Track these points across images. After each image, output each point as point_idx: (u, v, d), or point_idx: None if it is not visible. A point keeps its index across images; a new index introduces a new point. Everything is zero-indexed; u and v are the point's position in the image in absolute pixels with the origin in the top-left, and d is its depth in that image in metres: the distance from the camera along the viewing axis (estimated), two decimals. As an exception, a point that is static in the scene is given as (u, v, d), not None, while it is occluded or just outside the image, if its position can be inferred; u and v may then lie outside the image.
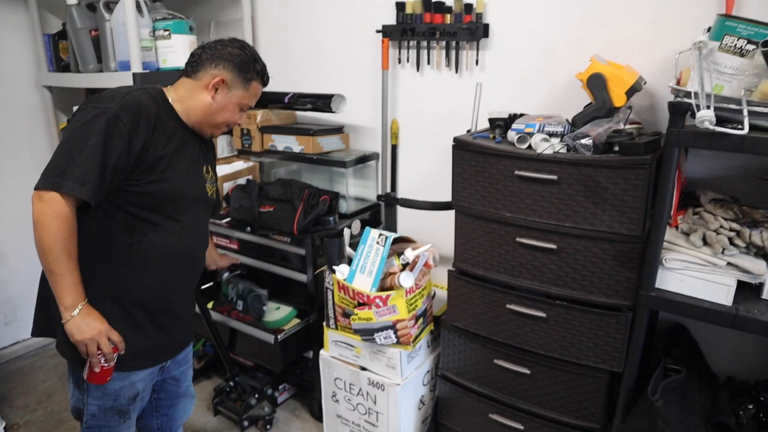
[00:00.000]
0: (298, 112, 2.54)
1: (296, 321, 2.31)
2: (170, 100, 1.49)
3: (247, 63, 1.50)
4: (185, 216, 1.50)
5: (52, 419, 2.48)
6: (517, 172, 1.63)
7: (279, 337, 2.15)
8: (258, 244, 2.28)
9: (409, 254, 1.89)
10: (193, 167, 1.52)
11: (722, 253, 1.48)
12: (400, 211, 2.39)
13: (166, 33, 2.26)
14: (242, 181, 2.41)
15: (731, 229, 1.50)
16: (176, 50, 2.28)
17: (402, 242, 2.00)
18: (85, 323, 1.33)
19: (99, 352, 1.35)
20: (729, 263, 1.46)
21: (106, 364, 1.38)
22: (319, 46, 2.49)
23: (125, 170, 1.34)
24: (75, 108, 2.50)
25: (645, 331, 1.60)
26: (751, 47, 1.33)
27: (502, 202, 1.69)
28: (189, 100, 1.49)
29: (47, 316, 1.48)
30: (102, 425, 1.51)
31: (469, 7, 2.00)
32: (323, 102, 2.21)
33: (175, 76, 2.27)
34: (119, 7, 2.22)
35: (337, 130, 2.40)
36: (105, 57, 2.39)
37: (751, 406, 1.65)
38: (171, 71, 2.30)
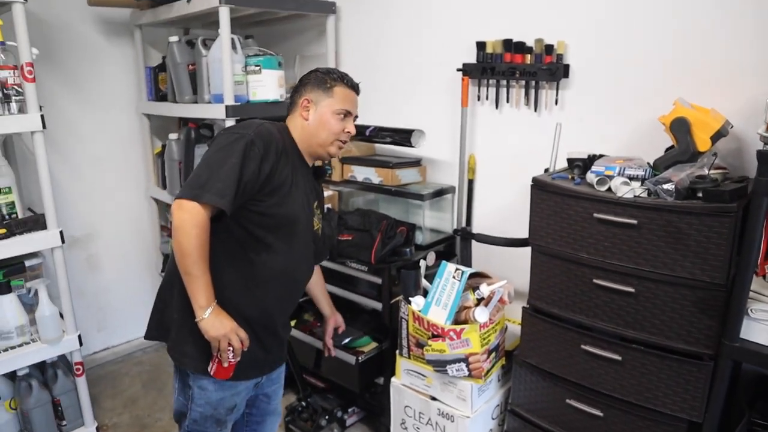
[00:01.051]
0: (377, 145, 2.63)
1: (373, 345, 2.37)
2: (292, 135, 1.64)
3: (322, 76, 1.65)
4: (296, 242, 1.62)
5: (136, 423, 2.65)
6: (596, 215, 1.64)
7: (360, 358, 2.23)
8: (335, 270, 2.37)
9: (485, 289, 1.92)
10: (307, 199, 1.66)
11: (813, 306, 1.44)
12: (475, 244, 2.42)
13: (257, 68, 2.41)
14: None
15: (823, 282, 1.45)
16: (265, 84, 2.43)
17: (477, 277, 2.04)
18: (219, 321, 1.46)
19: (229, 347, 1.48)
20: (820, 317, 1.42)
21: (233, 360, 1.51)
22: (400, 82, 2.58)
23: (253, 190, 1.47)
24: (171, 135, 2.71)
25: (728, 381, 1.56)
26: None
27: (580, 243, 1.70)
28: (295, 131, 1.64)
29: (161, 321, 1.63)
30: (201, 431, 1.64)
31: (549, 48, 2.03)
32: (404, 136, 2.29)
33: (264, 108, 2.46)
34: (216, 45, 2.39)
35: (415, 163, 2.47)
36: (200, 89, 2.58)
37: None
38: (260, 104, 2.45)
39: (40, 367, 2.44)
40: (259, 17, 2.80)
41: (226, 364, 1.51)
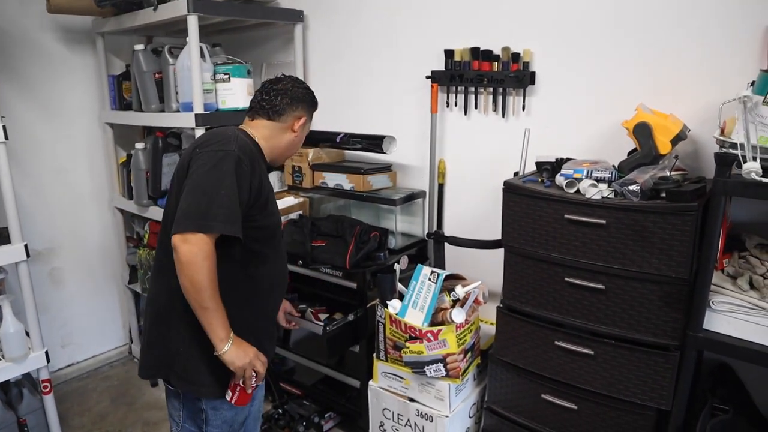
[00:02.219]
0: (346, 151, 2.66)
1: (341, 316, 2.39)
2: (257, 139, 1.61)
3: (313, 99, 1.73)
4: (281, 244, 1.68)
5: (106, 440, 2.60)
6: (567, 216, 1.71)
7: (328, 328, 2.20)
8: (309, 277, 2.38)
9: (460, 291, 1.97)
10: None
11: (770, 297, 1.54)
12: (447, 246, 2.47)
13: (226, 76, 2.41)
14: (294, 215, 2.53)
15: (778, 274, 1.56)
16: (235, 92, 2.43)
17: (452, 279, 2.09)
18: (242, 350, 1.46)
19: (253, 374, 1.48)
20: (776, 307, 1.52)
21: (255, 385, 1.51)
22: (370, 89, 2.62)
23: (246, 207, 1.46)
24: (137, 144, 2.67)
25: (693, 370, 1.65)
26: (794, 103, 1.41)
27: (551, 243, 1.77)
28: (274, 139, 1.65)
29: (161, 358, 1.56)
30: None
31: (516, 56, 2.11)
32: (375, 143, 2.33)
33: (233, 117, 2.46)
34: (184, 53, 2.38)
35: (386, 168, 2.51)
36: (167, 97, 2.55)
37: (798, 448, 1.68)
38: (229, 112, 2.45)
39: (3, 387, 2.36)
40: (226, 25, 2.79)
41: (249, 391, 1.51)
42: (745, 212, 1.82)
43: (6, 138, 2.10)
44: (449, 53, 2.26)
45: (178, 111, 2.49)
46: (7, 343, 2.21)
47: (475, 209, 2.36)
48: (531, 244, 1.82)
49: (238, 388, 1.50)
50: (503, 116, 2.22)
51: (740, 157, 1.42)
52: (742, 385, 1.89)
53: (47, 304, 2.99)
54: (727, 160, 1.46)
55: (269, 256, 1.58)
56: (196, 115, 2.34)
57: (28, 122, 2.83)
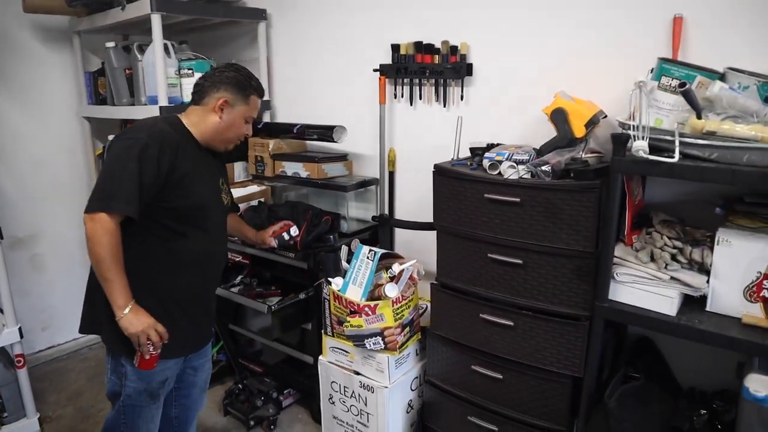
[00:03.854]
0: (309, 142, 2.80)
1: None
2: (186, 126, 1.77)
3: (243, 82, 1.78)
4: (209, 223, 1.79)
5: (80, 414, 2.75)
6: (486, 195, 1.84)
7: (272, 307, 2.35)
8: (266, 259, 2.52)
9: (396, 268, 2.10)
10: (211, 181, 1.83)
11: (665, 268, 1.65)
12: (399, 231, 2.61)
13: (190, 71, 2.56)
14: (255, 202, 2.67)
15: (674, 247, 1.68)
16: (198, 86, 2.57)
17: (391, 258, 2.22)
18: (137, 318, 1.62)
19: (149, 342, 1.63)
20: (672, 278, 1.64)
21: (154, 352, 1.66)
22: (326, 82, 2.76)
23: (156, 189, 1.61)
24: (110, 137, 2.83)
25: (602, 339, 1.76)
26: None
27: (475, 222, 1.89)
28: (201, 123, 1.77)
29: (93, 316, 1.76)
30: (135, 404, 1.78)
31: (454, 49, 2.24)
32: (326, 133, 2.46)
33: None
34: (150, 50, 2.53)
35: (342, 157, 2.65)
36: (137, 92, 2.71)
37: (704, 412, 1.79)
38: (194, 105, 2.59)
39: (-21, 361, 2.52)
40: (193, 24, 2.94)
41: (147, 357, 1.66)
42: (664, 193, 1.94)
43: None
44: (395, 47, 2.40)
45: (146, 104, 2.64)
46: (-18, 319, 2.37)
47: (422, 195, 2.48)
48: (458, 223, 1.94)
49: (138, 353, 1.66)
50: (445, 106, 2.35)
51: (632, 136, 1.55)
52: (661, 356, 2.01)
53: (28, 289, 3.15)
54: (621, 140, 1.58)
55: (188, 234, 1.72)
56: (160, 107, 2.48)
57: (9, 117, 3.00)
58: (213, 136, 1.79)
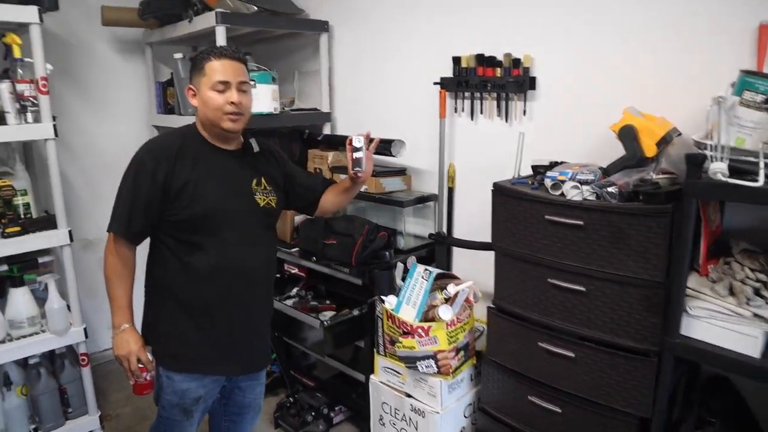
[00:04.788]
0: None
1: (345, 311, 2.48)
2: (199, 130, 1.71)
3: (196, 58, 1.67)
4: (229, 232, 1.66)
5: (138, 415, 2.83)
6: (547, 217, 1.73)
7: (326, 322, 2.32)
8: (322, 273, 2.50)
9: (451, 289, 2.02)
10: (229, 182, 1.68)
11: (747, 303, 1.50)
12: (457, 250, 2.52)
13: (252, 83, 2.57)
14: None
15: (757, 280, 1.52)
16: (260, 98, 2.59)
17: (448, 278, 2.14)
18: (123, 341, 1.64)
19: (138, 367, 1.65)
20: (756, 315, 1.48)
21: (142, 379, 1.66)
22: (385, 95, 2.73)
23: (158, 202, 1.60)
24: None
25: (673, 376, 1.62)
26: (768, 103, 1.39)
27: (536, 245, 1.79)
28: (198, 121, 1.71)
29: (144, 324, 1.77)
30: (169, 417, 1.77)
31: (517, 62, 2.14)
32: (384, 146, 2.42)
33: (258, 120, 2.62)
34: (215, 62, 2.57)
35: (400, 172, 2.60)
36: (203, 103, 2.76)
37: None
38: (255, 116, 2.60)
39: (50, 357, 2.62)
40: (257, 36, 2.98)
41: (131, 382, 1.68)
42: (745, 218, 1.77)
43: (56, 135, 2.36)
44: (456, 60, 2.33)
45: (209, 114, 2.68)
46: (52, 317, 2.46)
47: (482, 212, 2.37)
48: (517, 245, 1.85)
49: (128, 376, 1.68)
50: (506, 121, 2.25)
51: (710, 157, 1.41)
52: (739, 397, 1.83)
53: (96, 289, 3.25)
54: (696, 161, 1.45)
55: (204, 245, 1.64)
56: (222, 118, 2.52)
57: (86, 122, 3.15)
58: (204, 125, 1.68)
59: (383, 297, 2.13)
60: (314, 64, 3.02)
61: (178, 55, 2.82)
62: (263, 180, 1.78)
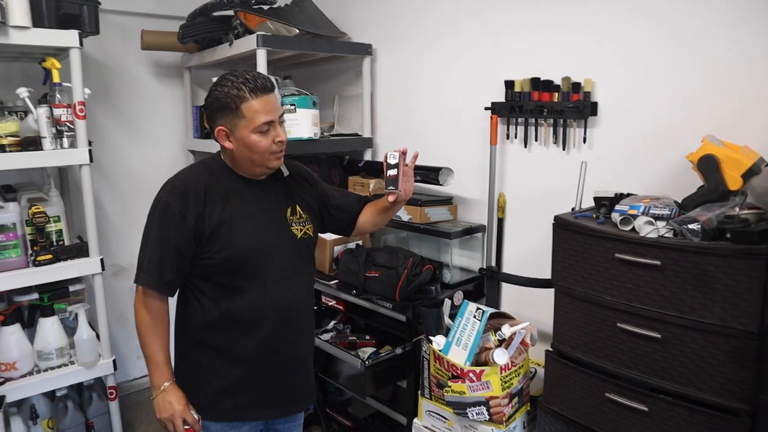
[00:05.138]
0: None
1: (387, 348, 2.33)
2: (225, 161, 1.56)
3: (225, 100, 1.43)
4: (267, 271, 1.53)
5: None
6: (618, 255, 1.57)
7: (366, 362, 2.17)
8: (362, 307, 2.37)
9: (506, 330, 1.86)
10: (265, 217, 1.55)
11: None
12: (505, 285, 2.36)
13: (292, 107, 2.49)
14: (352, 245, 2.54)
15: None
16: (300, 123, 2.50)
17: (501, 318, 1.98)
18: (166, 402, 1.50)
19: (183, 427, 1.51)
20: None
21: None
22: (432, 120, 2.61)
23: (190, 246, 1.46)
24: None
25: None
26: None
27: (603, 285, 1.63)
28: (227, 156, 1.54)
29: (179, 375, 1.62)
30: None
31: (577, 86, 2.01)
32: (431, 174, 2.29)
33: (299, 146, 2.53)
34: (255, 86, 2.49)
35: (446, 201, 2.46)
36: (241, 128, 2.68)
37: None
38: (295, 141, 2.52)
39: (78, 389, 2.53)
40: (298, 59, 2.91)
41: None
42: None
43: (91, 161, 2.29)
44: (509, 84, 2.20)
45: (247, 140, 2.60)
46: (81, 348, 2.38)
47: (534, 246, 2.25)
48: (582, 284, 1.69)
49: None
50: (564, 149, 2.11)
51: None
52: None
53: (127, 316, 3.18)
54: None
55: (243, 288, 1.51)
56: (261, 143, 2.43)
57: (121, 146, 3.10)
58: (243, 164, 1.52)
59: (431, 337, 1.98)
60: (355, 88, 2.93)
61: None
62: (298, 208, 1.65)
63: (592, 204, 1.87)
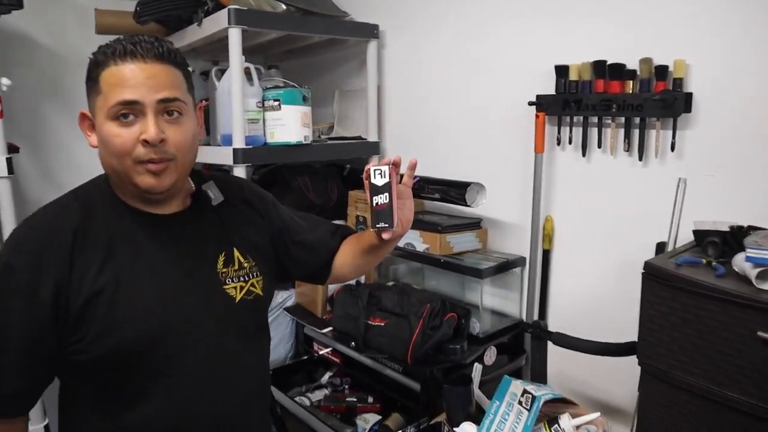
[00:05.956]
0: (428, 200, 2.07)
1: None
2: (111, 185, 1.00)
3: (89, 70, 0.95)
4: (184, 362, 0.98)
5: None
6: (761, 333, 1.00)
7: None
8: (363, 364, 1.81)
9: (566, 424, 1.28)
10: (177, 274, 1.00)
11: None
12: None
13: (276, 103, 1.94)
14: (352, 282, 1.97)
15: None
16: (285, 123, 1.95)
17: (556, 403, 1.41)
18: None
19: None
20: None
21: None
22: (456, 121, 2.03)
23: (50, 334, 0.91)
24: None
25: None
26: None
27: (729, 375, 1.05)
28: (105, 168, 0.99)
29: None
30: None
31: (662, 71, 1.42)
32: (457, 192, 1.73)
33: (285, 153, 1.98)
34: (226, 75, 1.95)
35: (473, 225, 1.90)
36: (213, 129, 2.14)
37: None
38: (279, 147, 1.97)
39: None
40: (288, 45, 2.36)
41: None
42: None
43: (10, 173, 1.77)
44: (562, 70, 1.63)
45: (220, 145, 2.05)
46: None
47: (594, 290, 1.67)
48: (690, 368, 1.11)
49: None
50: (640, 158, 1.52)
51: None
52: None
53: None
54: None
55: (149, 391, 0.95)
56: (234, 150, 1.89)
57: (76, 152, 2.54)
58: (120, 185, 0.98)
59: (455, 429, 1.40)
60: (359, 80, 2.36)
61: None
62: (237, 253, 1.08)
63: (688, 239, 1.30)
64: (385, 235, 1.02)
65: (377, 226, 1.02)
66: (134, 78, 0.90)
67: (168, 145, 0.93)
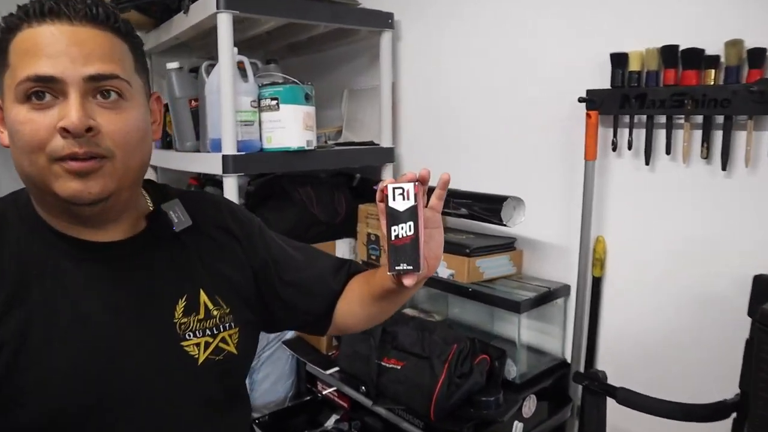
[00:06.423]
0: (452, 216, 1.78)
1: None
2: (33, 202, 0.76)
3: None
4: (133, 425, 0.73)
5: None
6: None
7: None
8: (375, 414, 1.52)
9: None
10: (119, 323, 0.73)
11: None
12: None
13: (273, 102, 1.66)
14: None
15: None
16: (285, 125, 1.66)
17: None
18: None
19: None
20: None
21: None
22: (484, 124, 1.74)
23: None
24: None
25: None
26: None
27: None
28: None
29: None
30: None
31: (757, 56, 1.13)
32: (489, 208, 1.43)
33: (284, 161, 1.71)
34: (216, 69, 1.68)
35: (506, 246, 1.60)
36: (202, 132, 1.86)
37: None
38: (277, 153, 1.69)
39: None
40: (291, 37, 2.08)
41: None
42: None
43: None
44: (619, 59, 1.33)
45: (209, 151, 1.77)
46: None
47: (656, 328, 1.37)
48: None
49: None
50: (724, 167, 1.22)
51: None
52: None
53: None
54: None
55: None
56: (224, 157, 1.60)
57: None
58: (33, 193, 0.74)
59: None
60: (371, 78, 2.08)
61: (172, 65, 1.96)
62: (203, 297, 0.81)
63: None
64: (408, 282, 0.73)
65: (397, 268, 0.72)
66: (53, 44, 0.66)
67: (100, 137, 0.67)
